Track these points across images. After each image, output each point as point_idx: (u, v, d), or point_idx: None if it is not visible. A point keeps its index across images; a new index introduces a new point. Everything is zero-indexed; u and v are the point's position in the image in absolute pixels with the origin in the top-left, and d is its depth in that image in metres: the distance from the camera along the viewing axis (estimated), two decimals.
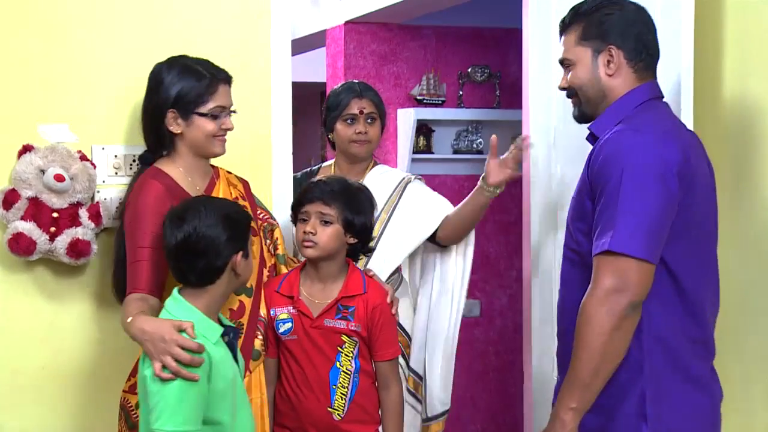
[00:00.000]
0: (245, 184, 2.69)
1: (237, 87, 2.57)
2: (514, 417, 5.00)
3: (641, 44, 2.26)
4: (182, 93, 2.47)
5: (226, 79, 2.54)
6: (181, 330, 2.16)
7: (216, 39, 2.87)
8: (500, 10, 4.77)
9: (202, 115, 2.48)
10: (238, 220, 2.31)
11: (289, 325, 2.55)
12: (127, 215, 2.47)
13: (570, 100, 2.38)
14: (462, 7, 4.59)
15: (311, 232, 2.52)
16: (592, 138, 2.31)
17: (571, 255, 2.28)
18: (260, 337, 2.54)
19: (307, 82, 5.77)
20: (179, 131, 2.50)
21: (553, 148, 3.19)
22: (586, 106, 2.31)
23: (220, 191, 2.57)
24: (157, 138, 2.54)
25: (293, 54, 3.03)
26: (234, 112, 2.56)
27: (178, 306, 2.25)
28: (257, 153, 2.93)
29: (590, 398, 2.13)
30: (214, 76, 2.50)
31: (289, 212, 2.65)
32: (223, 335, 2.27)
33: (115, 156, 2.77)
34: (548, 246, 3.23)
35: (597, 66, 2.26)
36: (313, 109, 7.64)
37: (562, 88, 2.37)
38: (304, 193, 2.59)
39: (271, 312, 2.56)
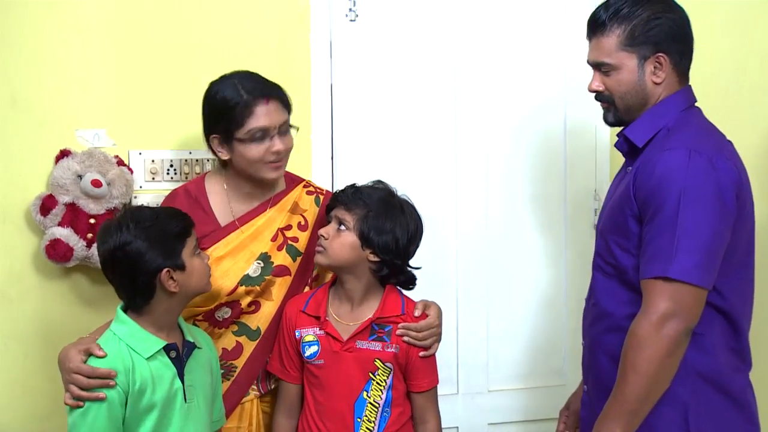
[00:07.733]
0: (321, 208, 2.45)
1: None
2: None
3: (687, 47, 2.20)
4: (218, 118, 2.28)
5: (266, 95, 2.27)
6: (90, 354, 2.06)
7: (256, 43, 2.83)
8: None
9: (241, 140, 2.27)
10: (167, 234, 2.08)
11: (315, 348, 2.33)
12: None
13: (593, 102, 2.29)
14: None
15: (323, 236, 2.31)
16: (625, 143, 2.22)
17: (605, 267, 2.21)
18: (253, 392, 2.39)
19: None
20: (227, 157, 2.32)
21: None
22: (624, 112, 2.21)
23: (268, 221, 2.38)
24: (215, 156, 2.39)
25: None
26: (291, 128, 2.32)
27: (117, 321, 2.13)
28: (295, 158, 2.84)
29: (636, 424, 2.07)
30: (250, 96, 2.25)
31: None
32: (169, 350, 2.13)
33: (153, 161, 2.74)
34: None
35: (643, 73, 2.16)
36: None
37: (594, 91, 2.25)
38: (334, 197, 2.38)
39: (296, 333, 2.35)
